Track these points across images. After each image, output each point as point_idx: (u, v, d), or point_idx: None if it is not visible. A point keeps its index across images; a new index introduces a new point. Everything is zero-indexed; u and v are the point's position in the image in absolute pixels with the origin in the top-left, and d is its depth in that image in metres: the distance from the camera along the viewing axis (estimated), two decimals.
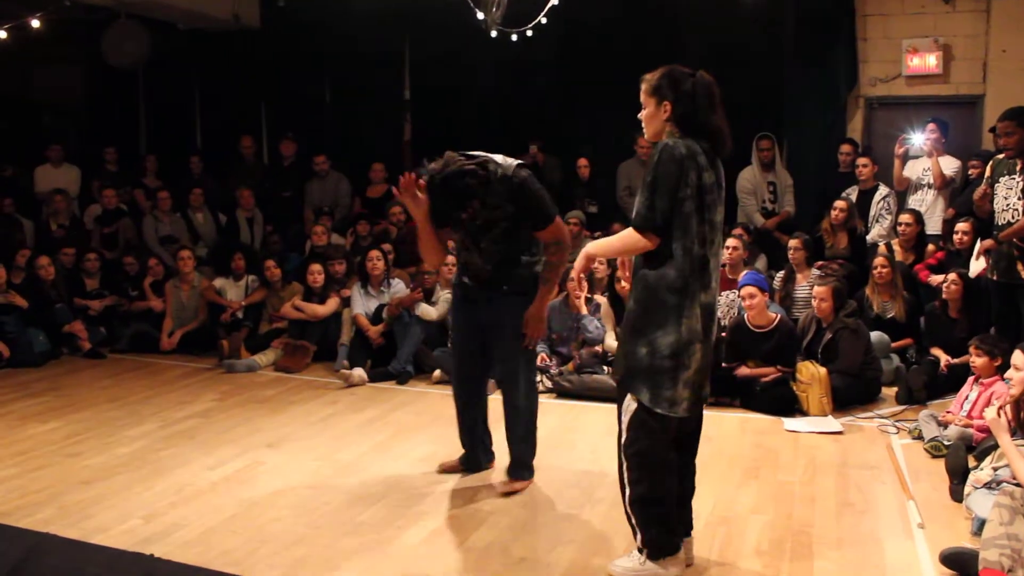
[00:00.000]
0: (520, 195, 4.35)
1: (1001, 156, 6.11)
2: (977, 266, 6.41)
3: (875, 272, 7.12)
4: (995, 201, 6.09)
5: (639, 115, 3.56)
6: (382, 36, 10.34)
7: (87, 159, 10.62)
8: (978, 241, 6.57)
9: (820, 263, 7.58)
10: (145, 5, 9.53)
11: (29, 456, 5.27)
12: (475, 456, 4.94)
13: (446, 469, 4.96)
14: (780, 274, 7.69)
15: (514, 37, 7.90)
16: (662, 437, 3.47)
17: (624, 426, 3.52)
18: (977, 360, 5.42)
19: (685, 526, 3.76)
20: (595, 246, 3.64)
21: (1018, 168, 5.91)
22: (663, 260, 3.38)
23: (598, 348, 6.80)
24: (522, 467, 4.73)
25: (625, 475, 3.56)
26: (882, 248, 7.63)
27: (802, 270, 7.45)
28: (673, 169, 3.30)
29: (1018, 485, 3.79)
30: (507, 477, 4.75)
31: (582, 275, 3.78)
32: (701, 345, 3.44)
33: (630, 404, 3.48)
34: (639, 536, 3.59)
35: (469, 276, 4.61)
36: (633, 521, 3.59)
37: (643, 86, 3.51)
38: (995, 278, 6.13)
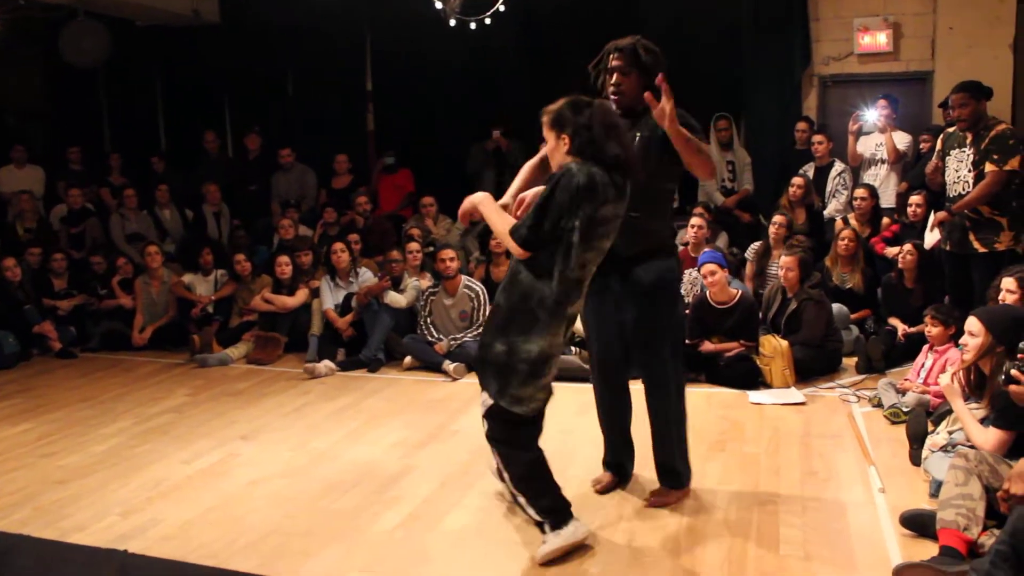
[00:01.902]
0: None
1: (951, 130, 6.24)
2: (932, 238, 6.56)
3: (841, 244, 7.27)
4: (946, 174, 6.23)
5: (544, 149, 3.66)
6: (343, 27, 10.34)
7: (51, 159, 10.54)
8: (931, 213, 6.71)
9: None
10: (103, 2, 9.46)
11: (2, 458, 5.27)
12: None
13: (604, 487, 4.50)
14: (755, 246, 7.79)
15: (472, 25, 7.95)
16: (520, 427, 3.64)
17: (483, 415, 3.68)
18: (932, 329, 5.58)
19: None
20: (485, 206, 3.66)
21: (968, 141, 6.04)
22: (541, 275, 3.46)
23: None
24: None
25: (498, 461, 3.75)
26: (839, 223, 7.78)
27: (778, 247, 7.56)
28: (565, 199, 3.35)
29: (972, 447, 3.92)
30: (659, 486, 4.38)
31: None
32: (558, 357, 3.67)
33: (487, 398, 3.64)
34: (534, 511, 3.72)
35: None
36: (523, 501, 3.72)
37: (544, 119, 3.59)
38: (948, 248, 6.28)
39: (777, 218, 7.64)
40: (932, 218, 6.46)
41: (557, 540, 3.69)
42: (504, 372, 3.55)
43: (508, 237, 3.47)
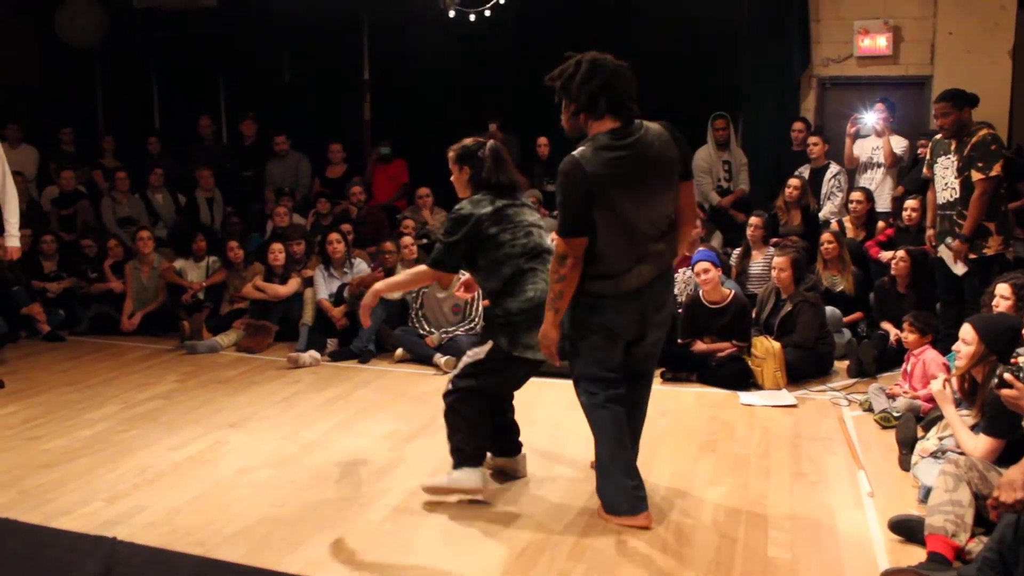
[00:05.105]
0: None
1: (938, 137, 6.26)
2: (960, 268, 6.35)
3: (822, 248, 7.29)
4: (935, 181, 6.25)
5: (451, 179, 4.32)
6: (341, 15, 10.30)
7: (43, 139, 10.46)
8: (942, 243, 6.42)
9: (775, 240, 7.72)
10: None
11: None
12: None
13: None
14: (737, 251, 7.82)
15: (472, 16, 7.92)
16: (501, 376, 4.21)
17: (465, 363, 4.22)
18: (910, 336, 5.64)
19: (508, 448, 4.57)
20: (384, 284, 4.43)
21: (952, 148, 6.06)
22: (494, 274, 4.16)
23: None
24: None
25: (449, 387, 4.23)
26: (833, 225, 7.78)
27: (758, 247, 7.59)
28: (462, 224, 4.08)
29: (962, 454, 3.92)
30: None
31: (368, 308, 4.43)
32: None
33: (479, 352, 4.19)
34: (449, 445, 4.28)
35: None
36: (448, 432, 4.26)
37: (450, 155, 4.30)
38: (939, 255, 6.30)
39: (753, 220, 7.64)
40: (949, 253, 6.26)
41: (445, 479, 4.24)
42: (508, 327, 4.09)
43: (422, 269, 4.35)
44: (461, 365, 4.27)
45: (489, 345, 4.18)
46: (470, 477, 4.20)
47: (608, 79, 3.78)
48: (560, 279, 3.81)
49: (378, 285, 4.39)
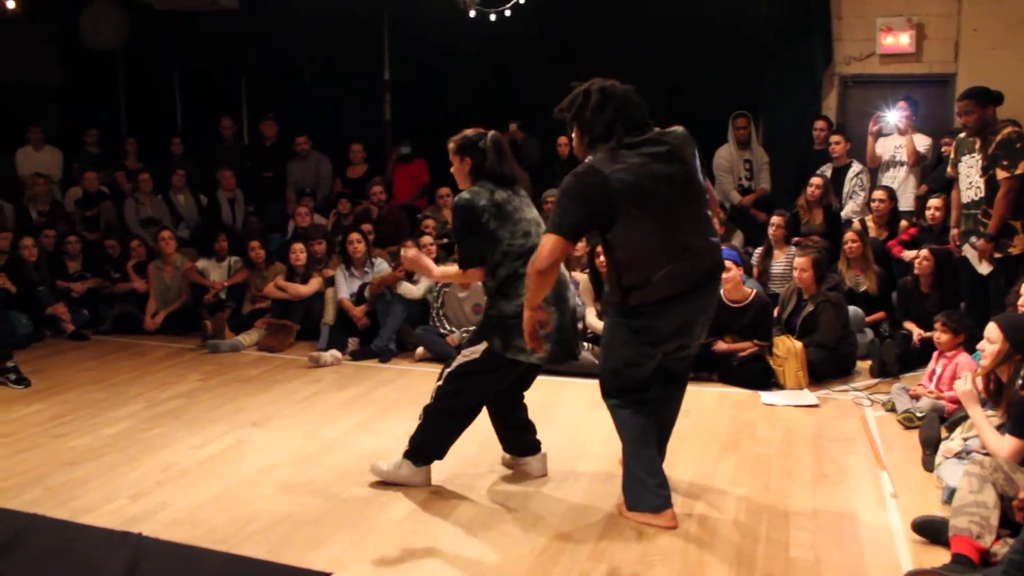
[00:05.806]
0: None
1: (962, 135, 6.21)
2: (986, 268, 6.30)
3: (846, 247, 7.23)
4: (959, 180, 6.19)
5: (451, 170, 4.32)
6: (361, 16, 10.32)
7: (67, 141, 10.55)
8: (965, 242, 6.36)
9: (797, 239, 7.68)
10: None
11: (14, 438, 5.30)
12: None
13: None
14: (758, 250, 7.78)
15: (492, 16, 7.93)
16: (494, 378, 4.24)
17: (462, 359, 4.22)
18: (942, 336, 5.53)
19: (525, 447, 4.61)
20: (441, 272, 4.53)
21: (977, 147, 6.01)
22: (490, 272, 4.17)
23: (579, 325, 6.84)
24: None
25: (440, 388, 4.26)
26: (856, 224, 7.72)
27: (780, 246, 7.56)
28: (468, 216, 4.13)
29: (987, 454, 3.89)
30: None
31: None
32: (555, 308, 4.10)
33: (474, 351, 4.18)
34: (411, 436, 4.38)
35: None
36: (418, 423, 4.34)
37: (450, 146, 4.31)
38: (964, 254, 6.25)
39: (775, 219, 7.60)
40: (973, 252, 6.19)
41: (390, 470, 4.43)
42: (503, 329, 4.10)
43: (462, 271, 4.25)
44: (456, 363, 4.25)
45: (484, 345, 4.16)
46: (415, 476, 4.43)
47: (620, 106, 3.75)
48: (527, 277, 3.84)
49: (435, 270, 4.49)
